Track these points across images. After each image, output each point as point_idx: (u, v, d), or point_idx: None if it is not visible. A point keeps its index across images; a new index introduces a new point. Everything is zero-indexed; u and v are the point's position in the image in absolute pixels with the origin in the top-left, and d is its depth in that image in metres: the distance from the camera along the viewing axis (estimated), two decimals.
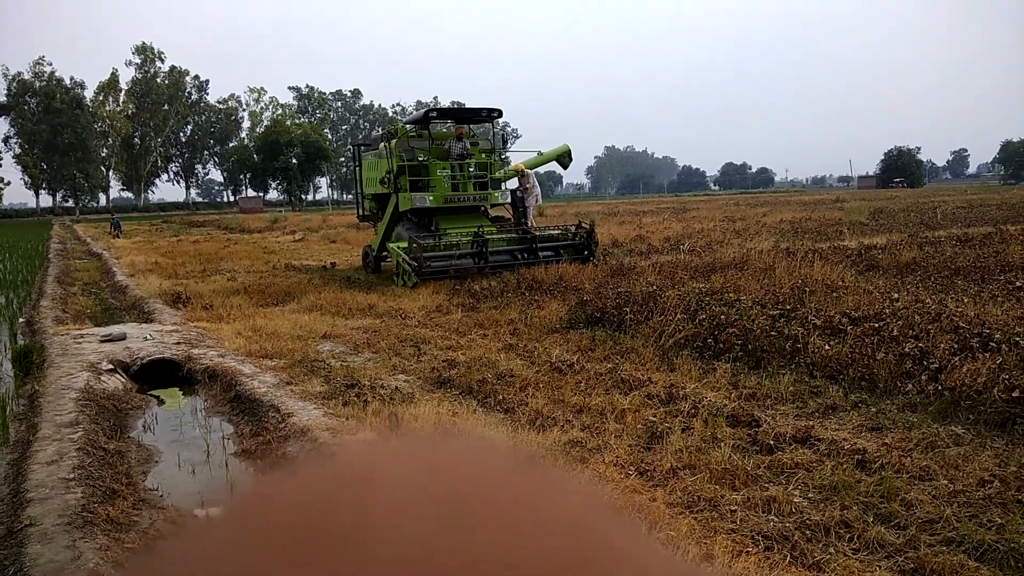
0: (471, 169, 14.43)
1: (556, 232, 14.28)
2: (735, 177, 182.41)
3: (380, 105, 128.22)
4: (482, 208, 14.91)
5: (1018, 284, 8.76)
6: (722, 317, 7.21)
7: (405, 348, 8.04)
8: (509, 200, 15.10)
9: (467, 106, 15.37)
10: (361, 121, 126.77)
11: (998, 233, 16.30)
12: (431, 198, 13.71)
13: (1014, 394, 4.80)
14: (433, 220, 14.18)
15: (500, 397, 5.94)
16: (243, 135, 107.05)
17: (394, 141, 14.29)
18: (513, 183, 15.81)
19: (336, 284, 13.37)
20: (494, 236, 13.20)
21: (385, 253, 14.83)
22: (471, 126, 15.68)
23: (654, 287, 8.84)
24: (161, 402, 7.15)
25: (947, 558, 3.15)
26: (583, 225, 13.99)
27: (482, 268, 12.46)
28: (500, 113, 14.70)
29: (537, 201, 15.88)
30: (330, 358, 7.60)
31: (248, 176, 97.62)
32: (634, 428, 5.02)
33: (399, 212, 14.11)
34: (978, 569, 3.07)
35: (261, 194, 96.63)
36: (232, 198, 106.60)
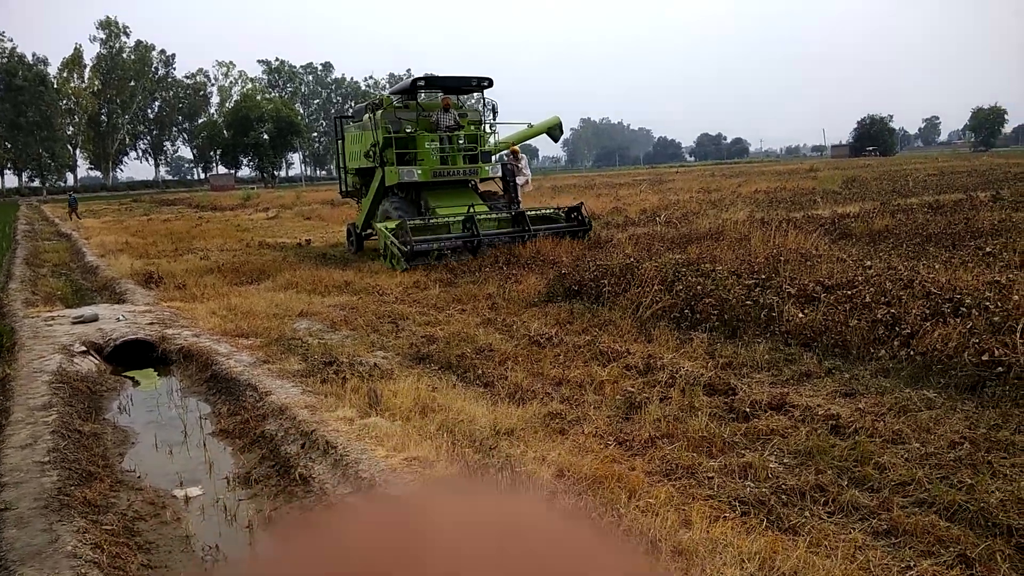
0: (461, 141, 13.85)
1: (549, 212, 13.69)
2: (710, 148, 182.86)
3: (352, 78, 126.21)
4: (471, 183, 14.30)
5: (988, 250, 8.90)
6: (698, 288, 7.26)
7: (383, 324, 8.01)
8: (500, 174, 14.50)
9: (455, 75, 14.10)
10: (333, 95, 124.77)
11: (968, 200, 16.56)
12: (419, 172, 13.08)
13: (984, 358, 4.89)
14: (421, 195, 13.56)
15: (479, 371, 5.96)
16: (212, 111, 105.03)
17: (379, 112, 13.64)
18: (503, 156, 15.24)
19: (312, 261, 13.27)
20: (487, 218, 12.58)
21: (370, 231, 14.34)
22: (459, 96, 14.98)
23: (631, 259, 8.86)
24: (136, 383, 7.08)
25: (919, 519, 3.22)
26: (576, 208, 13.43)
27: (475, 252, 11.89)
28: (491, 82, 14.12)
29: (527, 183, 15.20)
30: (307, 336, 7.56)
31: (219, 153, 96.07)
32: (613, 399, 5.06)
33: (385, 187, 13.52)
34: (949, 528, 3.15)
35: (232, 171, 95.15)
36: (203, 176, 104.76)
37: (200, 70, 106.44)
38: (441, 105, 13.95)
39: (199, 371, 6.75)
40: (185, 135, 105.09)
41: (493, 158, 14.65)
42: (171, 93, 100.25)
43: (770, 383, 5.31)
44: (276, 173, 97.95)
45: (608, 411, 4.86)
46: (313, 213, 28.27)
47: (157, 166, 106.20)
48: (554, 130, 17.27)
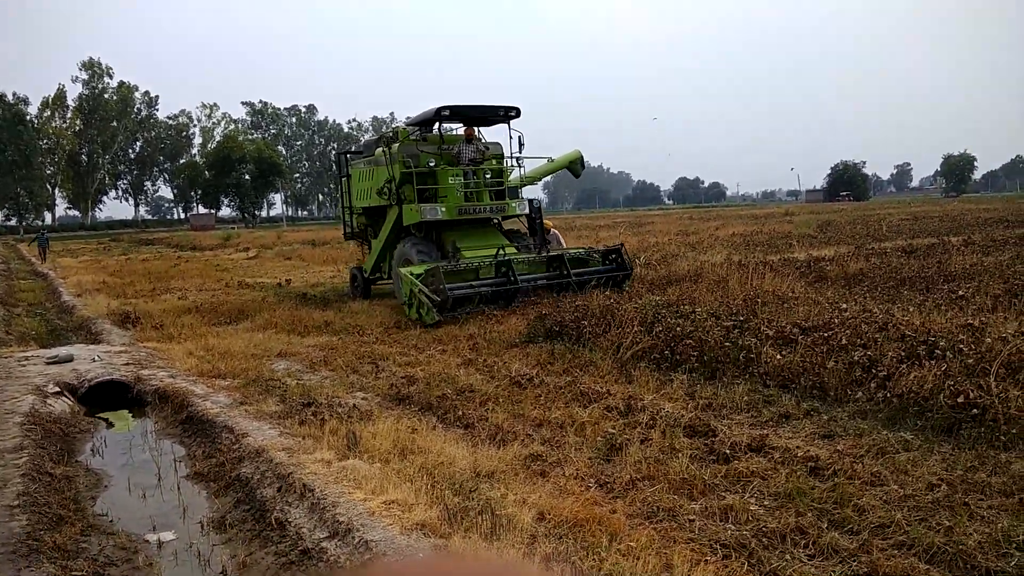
0: (487, 176, 12.62)
1: (580, 254, 12.08)
2: (688, 191, 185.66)
3: (335, 120, 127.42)
4: (494, 221, 13.09)
5: (960, 293, 9.07)
6: (678, 329, 7.31)
7: (363, 365, 7.96)
8: (527, 211, 13.06)
9: (480, 103, 12.57)
10: (316, 137, 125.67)
11: (941, 244, 16.87)
12: (443, 210, 11.75)
13: (959, 400, 4.95)
14: (442, 235, 12.27)
15: (460, 412, 5.92)
16: (194, 151, 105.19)
17: (395, 145, 12.39)
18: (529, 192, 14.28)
19: (291, 302, 13.19)
20: (520, 261, 11.14)
21: (377, 275, 13.49)
22: (479, 128, 13.26)
23: (611, 300, 8.92)
24: (110, 425, 6.96)
25: (899, 561, 3.23)
26: (614, 248, 12.15)
27: (511, 300, 10.66)
28: (518, 112, 12.76)
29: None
30: (285, 377, 7.49)
31: (199, 193, 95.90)
32: (594, 440, 5.05)
33: (402, 227, 12.37)
34: (928, 571, 3.16)
35: (213, 211, 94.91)
36: (183, 215, 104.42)
37: (183, 111, 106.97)
38: (464, 136, 12.74)
39: (175, 412, 6.66)
40: (166, 175, 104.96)
41: (520, 194, 13.58)
42: (153, 133, 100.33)
43: (750, 424, 5.33)
44: (257, 213, 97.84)
45: (589, 453, 4.85)
46: (294, 253, 28.21)
47: (137, 206, 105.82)
48: (575, 164, 16.13)
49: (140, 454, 5.97)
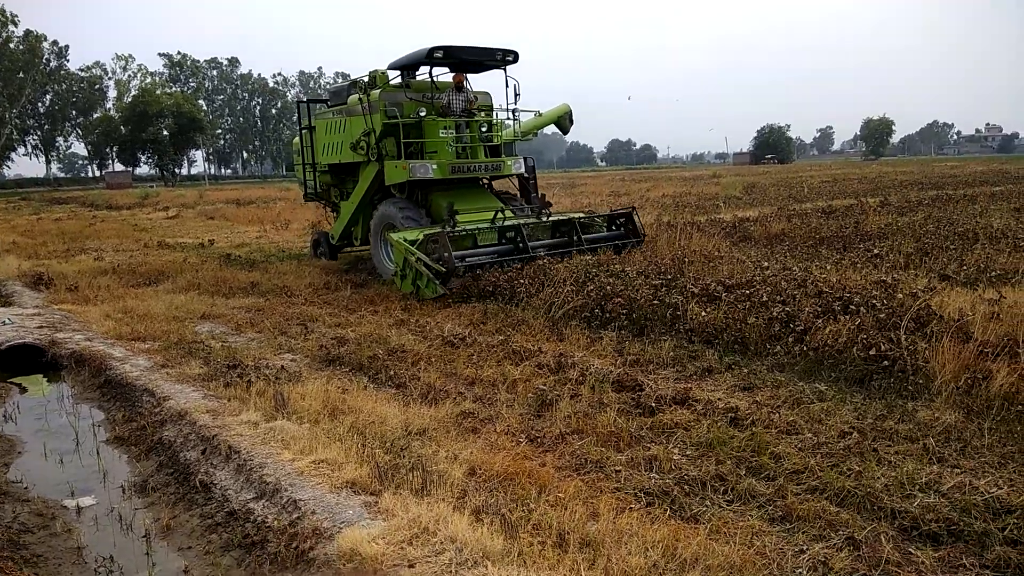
0: (483, 129, 11.11)
1: (582, 218, 11.02)
2: (620, 153, 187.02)
3: (260, 75, 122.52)
4: (483, 181, 11.77)
5: (875, 252, 9.49)
6: (608, 288, 7.42)
7: (292, 327, 7.82)
8: (523, 170, 11.76)
9: (475, 45, 10.85)
10: (239, 91, 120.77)
11: (859, 205, 17.55)
12: (435, 167, 10.30)
13: (871, 352, 5.21)
14: (428, 198, 10.92)
15: (392, 372, 5.90)
16: (109, 105, 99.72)
17: (375, 92, 10.77)
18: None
19: (215, 263, 12.79)
20: (529, 223, 10.14)
21: (345, 243, 12.25)
22: (466, 74, 11.47)
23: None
24: (23, 390, 6.64)
25: (812, 505, 3.40)
26: (624, 212, 11.15)
27: (523, 266, 9.11)
28: (516, 57, 11.11)
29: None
30: (210, 339, 7.29)
31: (115, 149, 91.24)
32: (525, 397, 5.11)
33: (381, 187, 11.01)
34: (839, 513, 3.33)
35: (130, 169, 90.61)
36: (98, 173, 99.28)
37: (96, 63, 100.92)
38: (453, 84, 11.14)
39: (92, 376, 6.40)
40: (79, 131, 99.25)
41: (515, 150, 12.21)
42: (64, 86, 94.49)
43: (675, 379, 5.48)
44: (177, 171, 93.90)
45: (520, 409, 4.91)
46: (217, 213, 27.28)
47: (48, 163, 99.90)
48: (563, 119, 14.56)
49: (56, 419, 5.74)
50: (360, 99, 10.75)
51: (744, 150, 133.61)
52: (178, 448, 4.57)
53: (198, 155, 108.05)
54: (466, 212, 10.20)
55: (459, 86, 11.05)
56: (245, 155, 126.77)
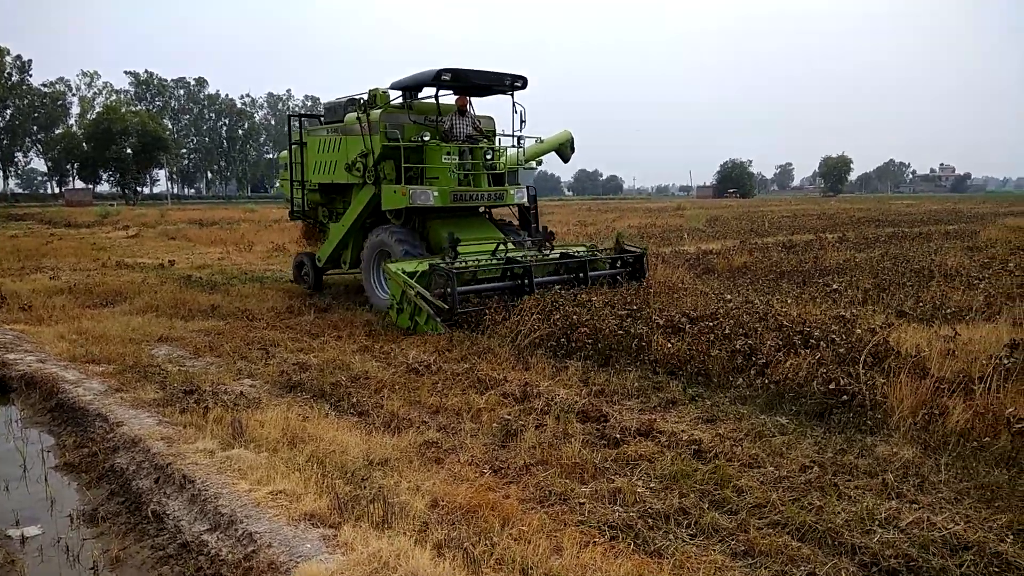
0: (487, 157, 10.72)
1: (583, 252, 10.50)
2: (587, 183, 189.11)
3: (227, 95, 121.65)
4: (482, 209, 11.35)
5: (834, 286, 9.67)
6: (574, 317, 7.44)
7: (252, 351, 7.67)
8: (525, 200, 11.38)
9: (484, 69, 10.42)
10: (206, 111, 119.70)
11: (818, 240, 17.97)
12: (436, 194, 9.85)
13: (831, 387, 5.28)
14: (426, 225, 10.55)
15: (354, 399, 5.81)
16: (72, 122, 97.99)
17: (376, 112, 10.29)
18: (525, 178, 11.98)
19: (175, 284, 12.55)
20: (536, 260, 9.62)
21: (330, 266, 11.77)
22: (470, 99, 11.02)
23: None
24: None
25: (774, 539, 3.41)
26: (638, 252, 10.66)
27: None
28: (525, 82, 10.69)
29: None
30: (167, 363, 7.12)
31: (76, 166, 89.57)
32: (489, 427, 5.07)
33: (376, 211, 10.61)
34: (800, 548, 3.35)
35: (91, 186, 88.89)
36: (57, 190, 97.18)
37: (60, 79, 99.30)
38: (456, 107, 10.74)
39: (43, 400, 6.19)
40: (39, 146, 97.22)
41: (518, 179, 11.79)
42: (26, 101, 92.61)
43: (639, 409, 5.49)
44: (139, 190, 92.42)
45: (485, 439, 4.86)
46: (179, 233, 26.84)
47: (6, 178, 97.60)
48: (565, 147, 14.06)
49: (3, 444, 5.52)
50: (359, 118, 10.25)
51: (707, 184, 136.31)
52: (130, 476, 4.42)
53: (161, 174, 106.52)
54: (466, 243, 9.74)
55: (463, 110, 10.69)
56: (210, 175, 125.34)
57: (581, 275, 9.80)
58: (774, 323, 6.84)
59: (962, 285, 9.58)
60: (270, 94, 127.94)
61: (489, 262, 9.27)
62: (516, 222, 12.01)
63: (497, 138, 11.30)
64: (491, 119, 11.42)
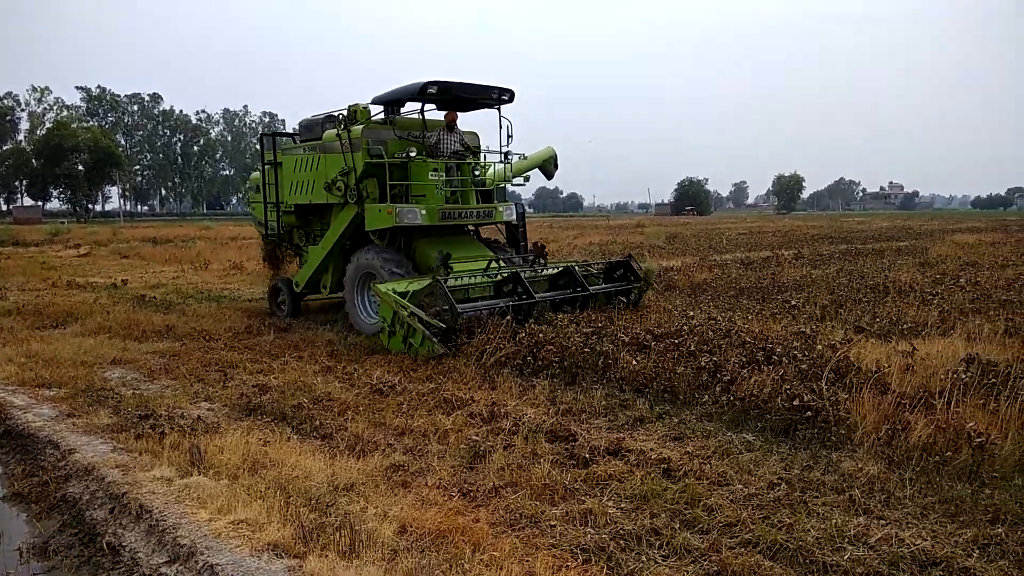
0: (476, 173, 10.39)
1: (577, 266, 10.09)
2: (548, 201, 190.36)
3: (182, 111, 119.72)
4: (468, 228, 10.96)
5: (793, 303, 9.83)
6: (540, 335, 7.41)
7: (209, 373, 7.48)
8: (514, 217, 11.01)
9: (470, 81, 10.07)
10: (160, 127, 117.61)
11: (774, 257, 18.29)
12: (424, 213, 9.45)
13: (795, 403, 5.33)
14: (412, 245, 10.14)
15: (317, 422, 5.68)
16: (21, 138, 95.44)
17: (358, 128, 9.84)
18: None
19: (128, 304, 12.20)
20: (532, 276, 9.39)
21: (307, 291, 11.16)
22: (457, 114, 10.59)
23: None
24: None
25: (746, 559, 3.40)
26: (623, 263, 10.53)
27: (523, 322, 8.30)
28: (512, 96, 10.37)
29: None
30: (120, 386, 6.89)
31: (25, 183, 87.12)
32: (457, 448, 4.99)
33: (358, 232, 10.15)
34: (772, 568, 3.34)
35: (40, 203, 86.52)
36: (4, 207, 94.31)
37: (9, 93, 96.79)
38: (445, 122, 10.37)
39: None
40: None
41: (506, 196, 11.52)
42: None
43: (607, 428, 5.47)
44: (91, 207, 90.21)
45: (452, 461, 4.78)
46: (132, 251, 26.20)
47: None
48: (548, 163, 13.65)
49: None
50: (339, 135, 9.85)
51: (665, 201, 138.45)
52: (84, 506, 4.24)
53: (113, 191, 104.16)
54: (456, 262, 9.33)
55: (451, 125, 10.31)
56: (164, 192, 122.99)
57: (579, 289, 9.46)
58: (737, 339, 6.92)
59: (916, 301, 9.82)
60: (226, 110, 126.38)
61: (489, 279, 8.93)
62: (503, 240, 11.61)
63: (483, 154, 10.95)
64: (475, 135, 11.06)
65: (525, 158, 12.79)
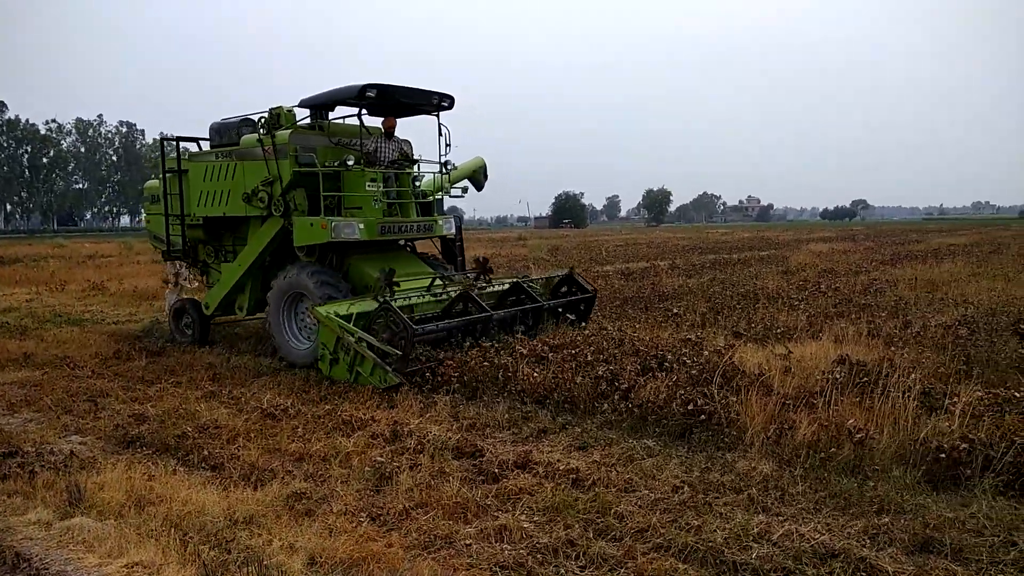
0: (417, 184, 9.86)
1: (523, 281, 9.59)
2: None
3: (29, 121, 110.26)
4: (403, 243, 10.21)
5: (675, 311, 10.26)
6: (438, 351, 7.32)
7: (78, 403, 6.90)
8: (453, 231, 10.28)
9: (411, 86, 9.24)
10: (5, 138, 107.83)
11: (652, 268, 19.04)
12: (362, 227, 8.64)
13: (689, 407, 5.54)
14: (344, 262, 9.32)
15: (205, 452, 5.35)
16: None
17: (284, 133, 8.94)
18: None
19: None
20: (484, 292, 8.87)
21: (219, 313, 10.09)
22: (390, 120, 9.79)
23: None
24: None
25: (661, 563, 3.48)
26: (567, 278, 9.98)
27: (477, 342, 7.78)
28: (452, 102, 9.65)
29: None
30: None
31: None
32: (361, 471, 4.84)
33: (284, 247, 9.25)
34: (687, 571, 3.44)
35: None
36: None
37: None
38: (383, 129, 9.62)
39: None
40: None
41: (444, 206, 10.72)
42: None
43: (512, 441, 5.48)
44: None
45: (357, 485, 4.63)
46: None
47: None
48: (478, 174, 12.83)
49: None
50: (260, 140, 8.98)
51: (543, 215, 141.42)
52: None
53: None
54: (396, 279, 8.34)
55: (390, 132, 9.58)
56: (9, 207, 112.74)
57: (532, 305, 9.00)
58: (631, 348, 7.12)
59: (785, 307, 10.49)
60: (79, 120, 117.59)
61: (434, 299, 8.41)
62: (439, 255, 10.80)
63: (418, 164, 10.14)
64: (409, 142, 10.18)
65: (455, 168, 11.67)
